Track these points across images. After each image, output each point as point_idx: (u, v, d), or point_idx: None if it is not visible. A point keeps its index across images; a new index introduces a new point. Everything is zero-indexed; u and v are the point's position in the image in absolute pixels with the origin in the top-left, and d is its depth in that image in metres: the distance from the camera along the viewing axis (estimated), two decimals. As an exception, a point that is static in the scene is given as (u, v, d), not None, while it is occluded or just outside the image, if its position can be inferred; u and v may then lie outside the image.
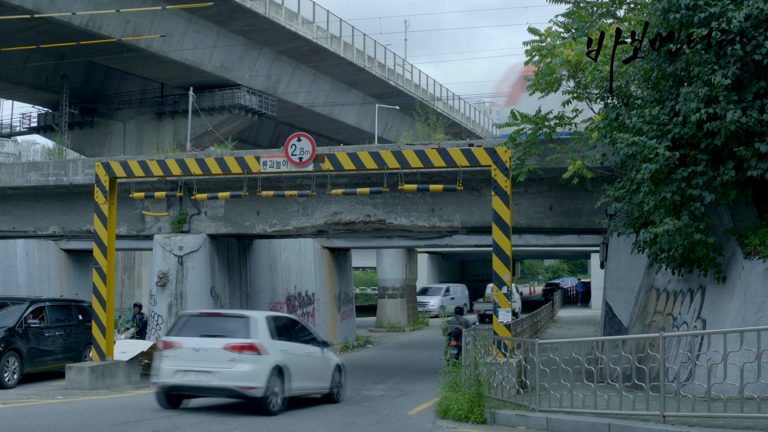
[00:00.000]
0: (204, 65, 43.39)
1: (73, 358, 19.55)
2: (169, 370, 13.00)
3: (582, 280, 77.74)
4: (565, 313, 52.20)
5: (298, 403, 14.21)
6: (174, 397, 13.42)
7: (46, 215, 22.71)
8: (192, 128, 40.26)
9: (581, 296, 66.52)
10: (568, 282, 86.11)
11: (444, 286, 54.47)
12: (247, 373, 12.62)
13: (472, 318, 30.16)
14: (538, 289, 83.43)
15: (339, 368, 15.46)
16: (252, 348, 12.78)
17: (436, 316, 47.96)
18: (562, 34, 16.90)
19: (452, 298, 52.05)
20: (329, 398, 15.09)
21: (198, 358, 12.81)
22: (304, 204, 20.35)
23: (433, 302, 50.28)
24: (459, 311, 19.98)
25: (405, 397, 16.09)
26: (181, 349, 13.04)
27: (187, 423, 12.29)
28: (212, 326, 13.54)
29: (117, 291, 36.83)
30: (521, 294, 58.05)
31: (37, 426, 11.89)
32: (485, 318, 36.61)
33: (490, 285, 44.66)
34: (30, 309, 18.97)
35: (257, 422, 12.04)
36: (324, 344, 15.28)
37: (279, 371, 13.04)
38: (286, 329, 14.20)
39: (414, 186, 16.92)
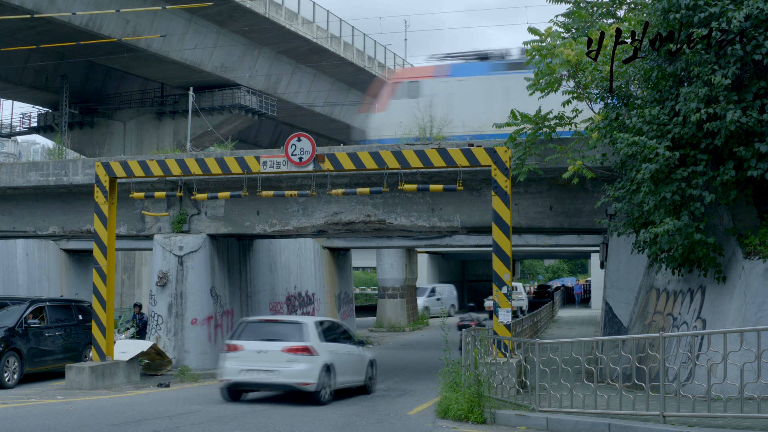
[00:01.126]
0: (204, 65, 43.40)
1: (73, 358, 19.55)
2: (234, 369, 14.79)
3: (580, 282, 76.84)
4: (565, 313, 52.21)
5: (340, 394, 15.72)
6: (236, 392, 15.17)
7: (46, 215, 22.71)
8: (192, 128, 40.24)
9: (579, 298, 63.78)
10: (560, 283, 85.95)
11: (430, 286, 51.95)
12: (302, 371, 14.51)
13: (482, 315, 30.50)
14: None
15: (371, 363, 17.21)
16: (306, 350, 14.66)
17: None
18: (562, 34, 16.89)
19: (438, 299, 49.90)
20: (364, 389, 16.79)
21: (260, 359, 14.67)
22: (304, 204, 20.35)
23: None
24: (472, 308, 20.56)
25: (405, 397, 16.09)
26: (243, 351, 14.85)
27: (187, 423, 12.30)
28: (270, 331, 15.37)
29: (117, 291, 36.84)
30: (531, 293, 61.37)
31: (37, 426, 11.89)
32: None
33: None
34: (30, 309, 18.96)
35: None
36: (360, 343, 17.41)
37: (327, 368, 14.91)
38: (330, 331, 16.11)
39: (414, 186, 16.92)
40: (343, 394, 15.85)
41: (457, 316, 31.58)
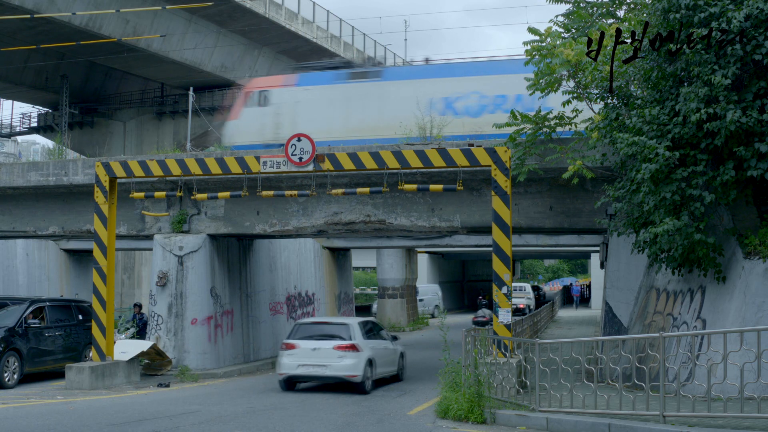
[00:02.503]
0: (204, 65, 43.41)
1: (73, 358, 19.55)
2: (291, 364, 17.04)
3: (579, 283, 76.35)
4: (565, 313, 52.22)
5: (378, 382, 17.97)
6: (292, 383, 17.49)
7: (46, 215, 22.71)
8: (192, 128, 40.24)
9: (578, 299, 61.69)
10: (560, 283, 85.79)
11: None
12: (350, 366, 16.74)
13: (489, 312, 30.82)
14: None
15: (402, 355, 19.61)
16: (353, 347, 16.91)
17: None
18: (562, 34, 16.88)
19: (421, 300, 47.94)
20: (396, 378, 19.21)
21: (313, 356, 16.91)
22: (304, 204, 20.35)
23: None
24: (487, 305, 20.77)
25: (405, 397, 16.10)
26: (299, 349, 17.03)
27: (187, 423, 12.30)
28: (321, 331, 17.68)
29: (117, 291, 36.83)
30: (543, 293, 63.72)
31: (37, 426, 11.89)
32: None
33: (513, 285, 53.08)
34: (30, 309, 18.96)
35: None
36: (393, 338, 19.68)
37: (369, 362, 17.13)
38: (370, 330, 18.37)
39: (414, 186, 16.92)
40: (380, 382, 18.09)
41: (455, 317, 31.72)
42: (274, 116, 23.63)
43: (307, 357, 16.92)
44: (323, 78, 24.21)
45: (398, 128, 21.04)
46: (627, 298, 16.77)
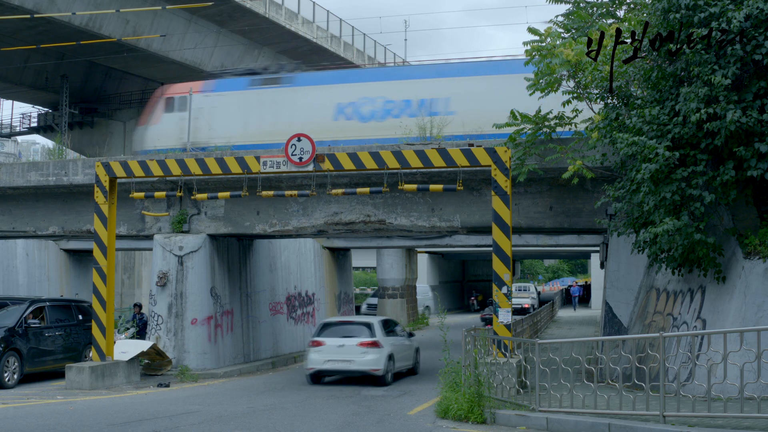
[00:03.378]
0: (204, 65, 43.38)
1: (73, 358, 19.55)
2: (319, 359, 18.37)
3: (578, 283, 76.14)
4: (565, 313, 52.22)
5: (396, 375, 19.41)
6: (319, 377, 18.83)
7: (46, 215, 22.71)
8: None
9: (577, 300, 59.21)
10: (560, 284, 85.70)
11: None
12: (373, 360, 18.14)
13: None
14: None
15: (417, 350, 20.96)
16: (375, 344, 18.27)
17: None
18: (562, 34, 16.88)
19: None
20: (412, 371, 20.62)
21: (340, 352, 18.25)
22: (304, 204, 20.35)
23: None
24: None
25: (405, 397, 16.10)
26: (325, 345, 18.37)
27: (187, 423, 12.31)
28: (346, 329, 19.03)
29: (117, 291, 36.83)
30: (539, 293, 65.03)
31: (37, 426, 11.89)
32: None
33: (516, 285, 56.53)
34: (30, 309, 18.96)
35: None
36: (410, 335, 21.01)
37: (390, 357, 18.52)
38: (390, 328, 19.72)
39: (414, 186, 16.92)
40: (398, 375, 19.47)
41: (455, 316, 31.87)
42: (193, 121, 24.43)
43: (334, 353, 18.29)
44: (238, 84, 25.04)
45: (317, 132, 21.35)
46: (627, 298, 16.77)
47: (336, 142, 20.73)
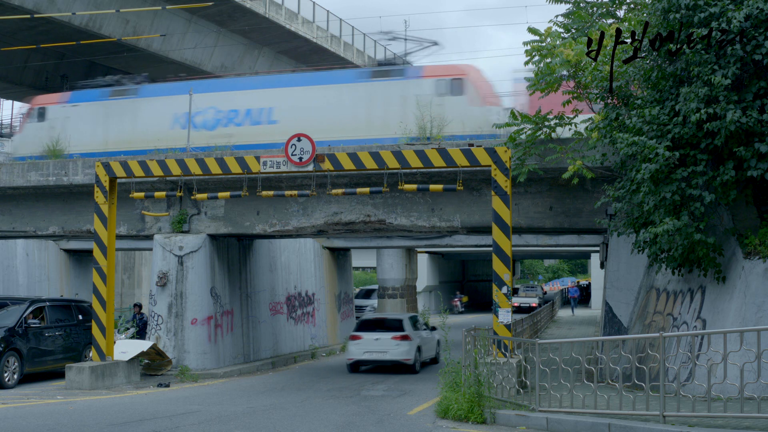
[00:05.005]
0: (204, 65, 43.35)
1: (73, 358, 19.55)
2: (357, 351, 21.30)
3: (579, 283, 75.90)
4: (564, 313, 52.23)
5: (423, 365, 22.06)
6: (357, 366, 21.69)
7: (46, 215, 22.71)
8: (192, 128, 40.21)
9: (575, 302, 55.56)
10: (560, 284, 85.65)
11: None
12: (405, 351, 21.01)
13: None
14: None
15: (438, 342, 22.93)
16: (407, 337, 21.14)
17: None
18: (562, 34, 16.89)
19: None
20: (434, 360, 23.09)
21: (376, 344, 21.12)
22: (304, 204, 20.35)
23: (371, 307, 44.24)
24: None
25: (405, 397, 16.10)
26: (363, 339, 21.31)
27: (187, 423, 12.30)
28: (380, 325, 21.89)
29: (117, 291, 36.82)
30: (545, 292, 67.27)
31: (37, 426, 11.89)
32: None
33: (523, 285, 63.07)
34: (30, 309, 18.96)
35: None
36: (433, 329, 23.35)
37: (418, 349, 21.19)
38: (416, 323, 22.44)
39: (414, 186, 16.92)
40: (423, 364, 22.09)
41: (455, 316, 31.96)
42: (49, 130, 25.66)
43: (371, 345, 21.13)
44: (90, 95, 26.39)
45: (155, 141, 23.20)
46: (627, 298, 16.77)
47: (174, 149, 22.03)
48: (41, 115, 26.49)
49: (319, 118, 22.24)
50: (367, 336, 21.24)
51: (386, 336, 21.07)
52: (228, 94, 24.18)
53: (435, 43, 27.21)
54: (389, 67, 23.26)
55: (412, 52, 28.23)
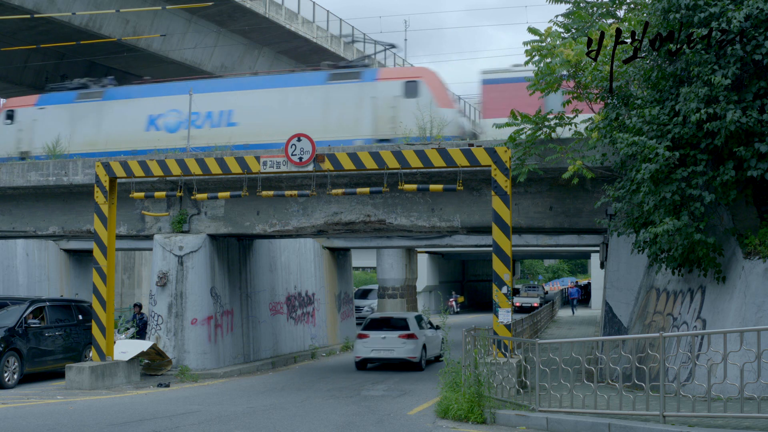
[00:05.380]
0: (204, 65, 43.35)
1: (73, 358, 19.55)
2: (365, 349, 22.02)
3: (578, 283, 75.67)
4: (564, 313, 52.24)
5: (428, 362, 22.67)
6: (364, 364, 22.32)
7: (46, 215, 22.71)
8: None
9: (575, 303, 53.82)
10: (560, 284, 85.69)
11: (376, 287, 46.79)
12: (411, 349, 21.73)
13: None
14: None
15: (443, 340, 26.11)
16: (412, 336, 21.88)
17: None
18: (562, 34, 16.89)
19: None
20: (439, 358, 23.14)
21: (383, 343, 21.87)
22: (304, 204, 20.35)
23: (368, 307, 43.64)
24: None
25: (405, 397, 16.10)
26: (370, 338, 22.02)
27: (187, 423, 12.30)
28: (387, 324, 22.61)
29: (117, 291, 36.82)
30: (546, 292, 68.74)
31: (37, 426, 11.89)
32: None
33: (525, 285, 66.08)
34: (30, 309, 18.96)
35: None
36: (437, 327, 23.16)
37: (423, 347, 21.86)
38: (422, 322, 23.01)
39: (414, 186, 16.92)
40: (428, 362, 22.72)
41: (455, 316, 32.06)
42: (17, 132, 26.28)
43: (378, 344, 21.86)
44: (57, 98, 26.73)
45: (123, 143, 23.80)
46: (627, 298, 16.77)
47: (148, 151, 22.61)
48: (10, 117, 26.93)
49: (277, 120, 22.62)
50: (375, 335, 21.97)
51: (393, 335, 21.85)
52: (193, 96, 24.69)
53: (392, 46, 28.07)
54: (347, 70, 23.61)
55: (370, 54, 28.81)
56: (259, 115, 23.29)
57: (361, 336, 22.30)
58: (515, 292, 58.94)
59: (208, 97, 23.78)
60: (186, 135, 22.47)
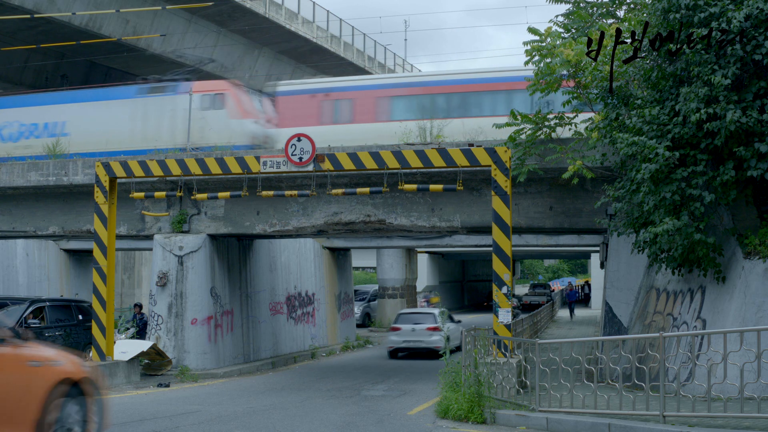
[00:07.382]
0: (204, 65, 43.32)
1: (73, 358, 19.52)
2: (397, 340, 25.81)
3: (578, 284, 75.77)
4: (564, 313, 52.25)
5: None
6: (396, 353, 26.09)
7: (46, 215, 22.70)
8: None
9: (573, 306, 49.88)
10: (560, 284, 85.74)
11: (371, 288, 46.47)
12: (437, 340, 24.70)
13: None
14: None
15: (462, 332, 27.91)
16: (437, 329, 25.08)
17: (362, 325, 40.28)
18: (562, 34, 16.89)
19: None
20: (458, 348, 25.29)
21: (413, 334, 25.59)
22: (304, 204, 20.36)
23: (357, 308, 40.90)
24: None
25: (405, 397, 16.10)
26: (402, 330, 25.79)
27: (187, 423, 12.31)
28: (415, 318, 26.32)
29: (117, 291, 36.81)
30: (551, 291, 68.75)
31: (37, 426, 11.88)
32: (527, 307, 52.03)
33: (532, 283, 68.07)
34: (30, 309, 18.96)
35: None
36: (458, 322, 27.42)
37: (447, 338, 23.30)
38: (444, 316, 26.27)
39: (414, 186, 16.92)
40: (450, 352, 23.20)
41: (455, 316, 32.17)
42: None
43: (408, 335, 25.59)
44: None
45: None
46: (627, 298, 16.78)
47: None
48: None
49: (102, 131, 24.66)
50: (405, 327, 25.69)
51: (421, 327, 25.53)
52: (31, 109, 26.60)
53: (212, 60, 31.47)
54: (164, 84, 25.41)
55: (193, 68, 30.91)
56: (88, 126, 25.16)
57: (393, 329, 26.09)
58: (535, 287, 66.19)
59: (46, 109, 25.95)
60: (26, 144, 25.23)
